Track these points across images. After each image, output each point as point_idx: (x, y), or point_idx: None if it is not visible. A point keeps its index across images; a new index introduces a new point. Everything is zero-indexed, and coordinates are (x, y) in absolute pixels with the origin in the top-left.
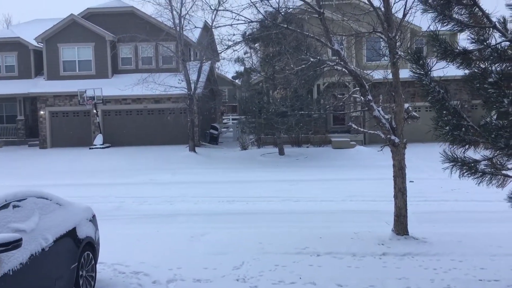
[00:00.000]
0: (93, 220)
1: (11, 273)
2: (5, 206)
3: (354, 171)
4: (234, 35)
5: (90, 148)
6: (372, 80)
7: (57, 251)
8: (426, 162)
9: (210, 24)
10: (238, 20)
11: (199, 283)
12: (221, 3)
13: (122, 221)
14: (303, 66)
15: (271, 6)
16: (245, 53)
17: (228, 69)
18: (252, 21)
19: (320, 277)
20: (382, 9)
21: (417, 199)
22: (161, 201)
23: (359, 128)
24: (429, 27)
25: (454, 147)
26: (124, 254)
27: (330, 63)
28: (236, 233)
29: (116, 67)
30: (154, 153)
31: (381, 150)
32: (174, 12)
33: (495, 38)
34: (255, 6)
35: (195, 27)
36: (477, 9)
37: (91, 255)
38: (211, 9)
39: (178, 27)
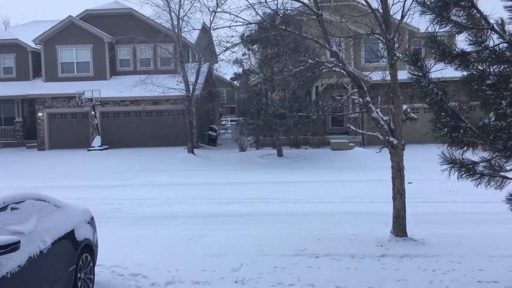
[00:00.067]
0: (91, 222)
1: (9, 276)
2: (3, 208)
3: (352, 172)
4: (232, 36)
5: (88, 150)
6: (370, 81)
7: (55, 254)
8: (425, 163)
9: (209, 26)
10: (237, 21)
11: (198, 285)
12: (219, 5)
13: (120, 223)
14: (302, 67)
15: (269, 7)
16: (244, 54)
17: (226, 70)
18: (250, 23)
19: (319, 279)
20: (380, 10)
21: (416, 200)
22: (160, 203)
23: (358, 130)
24: (427, 28)
25: (453, 148)
26: (122, 256)
27: (329, 65)
28: (235, 235)
29: (114, 69)
30: (152, 154)
31: (380, 151)
32: (172, 14)
33: (493, 40)
34: (253, 8)
35: (193, 29)
36: (475, 11)
37: (89, 257)
38: (209, 10)
39: (176, 29)
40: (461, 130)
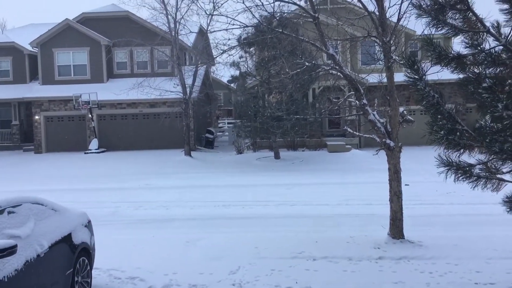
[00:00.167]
0: (88, 225)
1: (6, 280)
2: (0, 212)
3: (349, 174)
4: (229, 39)
5: (85, 153)
6: (367, 84)
7: (52, 257)
8: (422, 165)
9: (205, 29)
10: (233, 24)
11: None
12: (216, 8)
13: (117, 226)
14: (298, 70)
15: (266, 10)
16: (241, 57)
17: (223, 73)
18: (247, 26)
19: (316, 281)
20: (377, 13)
21: (413, 202)
22: (157, 206)
23: (355, 132)
24: (423, 31)
25: (449, 151)
26: (119, 259)
27: (325, 67)
28: (232, 237)
29: (111, 72)
30: (149, 157)
31: (377, 153)
32: (169, 17)
33: (489, 43)
34: (250, 11)
35: (190, 31)
36: (471, 14)
37: (86, 260)
38: (206, 13)
39: (173, 32)
40: (458, 133)
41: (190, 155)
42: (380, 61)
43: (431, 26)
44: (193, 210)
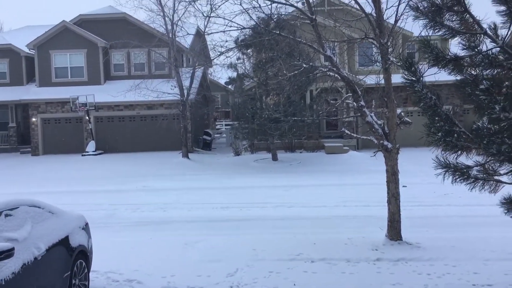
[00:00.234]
0: (86, 228)
1: (3, 283)
2: None
3: (347, 176)
4: (226, 41)
5: (82, 155)
6: (364, 85)
7: (49, 260)
8: (419, 167)
9: (203, 31)
10: (231, 26)
11: None
12: (214, 10)
13: (115, 229)
14: (296, 72)
15: (263, 12)
16: (238, 59)
17: (221, 75)
18: (244, 28)
19: (315, 283)
20: (374, 15)
21: (411, 204)
22: (155, 208)
23: (352, 134)
24: (420, 33)
25: (447, 153)
26: (117, 262)
27: (323, 69)
28: (230, 239)
29: (109, 74)
30: (147, 159)
31: (374, 155)
32: (167, 19)
33: (486, 45)
34: (247, 12)
35: (188, 34)
36: (468, 15)
37: (84, 263)
38: (203, 15)
39: (170, 34)
40: (455, 135)
41: (188, 157)
42: (377, 63)
43: (428, 28)
44: (191, 212)
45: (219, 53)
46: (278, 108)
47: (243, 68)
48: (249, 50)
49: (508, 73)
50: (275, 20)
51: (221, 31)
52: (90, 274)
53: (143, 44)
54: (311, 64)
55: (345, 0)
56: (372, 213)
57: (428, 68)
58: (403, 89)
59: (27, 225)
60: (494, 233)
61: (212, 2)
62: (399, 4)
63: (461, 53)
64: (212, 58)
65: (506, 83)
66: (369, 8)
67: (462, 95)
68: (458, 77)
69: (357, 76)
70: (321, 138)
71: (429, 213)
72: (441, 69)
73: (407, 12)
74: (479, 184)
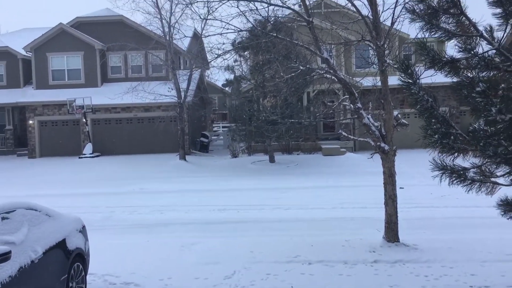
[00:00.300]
0: (83, 231)
1: (0, 286)
2: None
3: (344, 178)
4: (223, 44)
5: (79, 158)
6: (361, 87)
7: (46, 263)
8: (416, 168)
9: (200, 33)
10: (228, 29)
11: None
12: (211, 12)
13: (112, 231)
14: (293, 74)
15: (260, 15)
16: (235, 61)
17: (218, 77)
18: (241, 30)
19: (312, 285)
20: (371, 17)
21: (408, 205)
22: (152, 211)
23: (349, 136)
24: (417, 35)
25: (443, 155)
26: (114, 264)
27: (320, 71)
28: (227, 242)
29: (106, 76)
30: (144, 161)
31: (371, 157)
32: (164, 21)
33: (482, 47)
34: (244, 15)
35: (185, 36)
36: (464, 18)
37: (81, 266)
38: (200, 18)
39: (167, 36)
40: (452, 137)
41: (185, 159)
42: (374, 65)
43: (424, 30)
44: (188, 214)
45: (216, 55)
46: (275, 110)
47: (240, 70)
48: (246, 52)
49: (504, 75)
50: (272, 22)
51: (218, 34)
52: (87, 277)
53: (140, 47)
54: (308, 66)
55: (342, 2)
56: (369, 215)
57: (425, 70)
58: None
59: (24, 228)
60: (491, 234)
61: (209, 5)
62: (395, 7)
63: (458, 55)
64: (209, 60)
65: (502, 85)
66: (365, 11)
67: (458, 97)
68: (455, 79)
69: (354, 78)
70: (318, 140)
71: (426, 214)
72: (437, 71)
73: (403, 14)
74: (476, 186)
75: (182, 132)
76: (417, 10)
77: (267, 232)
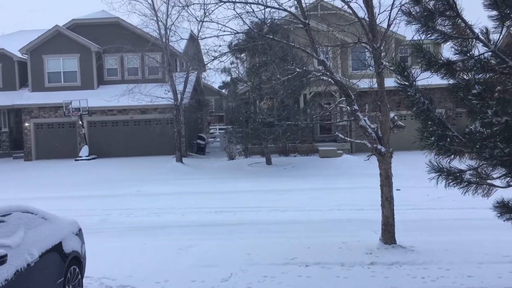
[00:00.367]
0: (79, 234)
1: None
2: None
3: (341, 180)
4: (220, 46)
5: (75, 160)
6: (358, 89)
7: (43, 266)
8: (413, 170)
9: (196, 35)
10: (224, 31)
11: None
12: (207, 14)
13: (108, 234)
14: (289, 76)
15: (256, 17)
16: (232, 63)
17: (214, 79)
18: (238, 32)
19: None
20: (367, 19)
21: (404, 207)
22: (148, 213)
23: (346, 138)
24: (413, 37)
25: (440, 157)
26: (111, 267)
27: (316, 73)
28: (224, 244)
29: (102, 78)
30: (140, 164)
31: (368, 159)
32: (160, 23)
33: (478, 49)
34: (240, 17)
35: (181, 38)
36: (460, 20)
37: (77, 269)
38: (197, 20)
39: (164, 38)
40: (448, 139)
41: (182, 162)
42: (370, 67)
43: (420, 32)
44: (185, 217)
45: (213, 58)
46: (272, 112)
47: (237, 72)
48: (242, 55)
49: (500, 77)
50: (268, 24)
51: (214, 36)
52: (84, 280)
53: (136, 49)
54: (304, 68)
55: (338, 4)
56: (366, 216)
57: (421, 73)
58: (396, 93)
59: (20, 231)
60: (487, 236)
61: (205, 7)
62: (391, 9)
63: (454, 57)
64: (206, 62)
65: (498, 87)
66: (362, 13)
67: (454, 99)
68: (451, 82)
69: (350, 80)
70: (315, 142)
71: (423, 216)
72: (433, 73)
73: (399, 16)
74: (472, 188)
75: (179, 134)
76: (413, 12)
77: (264, 234)
